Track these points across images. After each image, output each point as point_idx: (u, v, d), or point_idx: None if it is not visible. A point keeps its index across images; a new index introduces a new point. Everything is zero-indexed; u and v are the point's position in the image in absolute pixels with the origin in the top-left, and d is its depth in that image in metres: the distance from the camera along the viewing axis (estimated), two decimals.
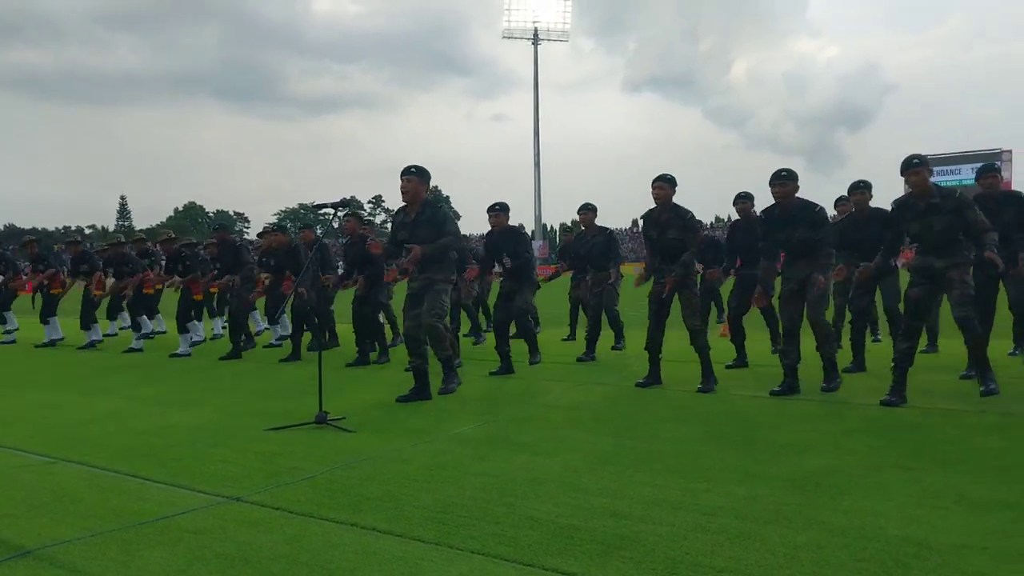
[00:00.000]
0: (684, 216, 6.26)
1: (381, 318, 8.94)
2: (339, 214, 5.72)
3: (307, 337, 9.41)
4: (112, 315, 11.91)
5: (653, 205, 6.38)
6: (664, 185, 6.30)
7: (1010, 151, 57.86)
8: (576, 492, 3.43)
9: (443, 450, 4.31)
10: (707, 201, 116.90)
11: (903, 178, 5.36)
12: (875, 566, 2.52)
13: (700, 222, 10.27)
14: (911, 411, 5.11)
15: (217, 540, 2.92)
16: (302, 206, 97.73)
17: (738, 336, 7.40)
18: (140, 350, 10.04)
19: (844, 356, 7.11)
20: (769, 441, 4.34)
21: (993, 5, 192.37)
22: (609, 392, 6.26)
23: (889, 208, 5.74)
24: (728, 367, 7.20)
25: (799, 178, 5.83)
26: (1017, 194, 6.43)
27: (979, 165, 6.82)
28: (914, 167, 5.29)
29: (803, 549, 2.69)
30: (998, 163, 7.30)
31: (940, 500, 3.19)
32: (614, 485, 3.53)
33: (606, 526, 2.97)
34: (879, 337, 8.51)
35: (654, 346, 6.40)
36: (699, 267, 8.79)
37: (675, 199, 6.33)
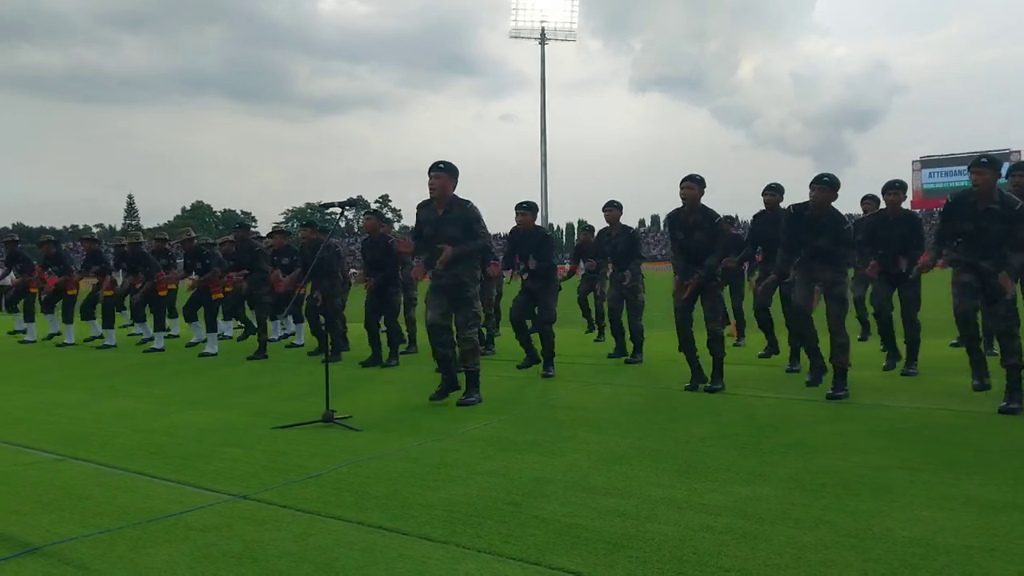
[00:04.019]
0: (712, 219, 6.14)
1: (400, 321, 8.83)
2: (346, 213, 5.71)
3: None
4: (139, 317, 11.83)
5: (674, 204, 6.29)
6: (693, 185, 6.15)
7: (1019, 152, 57.62)
8: (583, 491, 3.43)
9: (450, 449, 4.32)
10: (714, 201, 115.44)
11: (969, 174, 5.27)
12: (882, 567, 2.51)
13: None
14: (918, 412, 5.09)
15: (224, 538, 2.93)
16: (309, 205, 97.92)
17: (767, 324, 7.49)
18: (161, 349, 10.04)
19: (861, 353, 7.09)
20: (776, 441, 4.33)
21: (1002, 6, 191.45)
22: (616, 392, 6.26)
23: (917, 210, 5.71)
24: (760, 356, 7.35)
25: (839, 187, 5.74)
26: None
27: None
28: (980, 166, 5.17)
29: (809, 549, 2.68)
30: None
31: (947, 501, 3.18)
32: (621, 484, 3.53)
33: (612, 525, 2.97)
34: (868, 337, 8.47)
35: (688, 346, 6.28)
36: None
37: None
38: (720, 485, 3.49)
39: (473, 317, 5.78)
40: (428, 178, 5.75)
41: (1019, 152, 57.92)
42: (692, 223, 6.19)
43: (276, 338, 10.47)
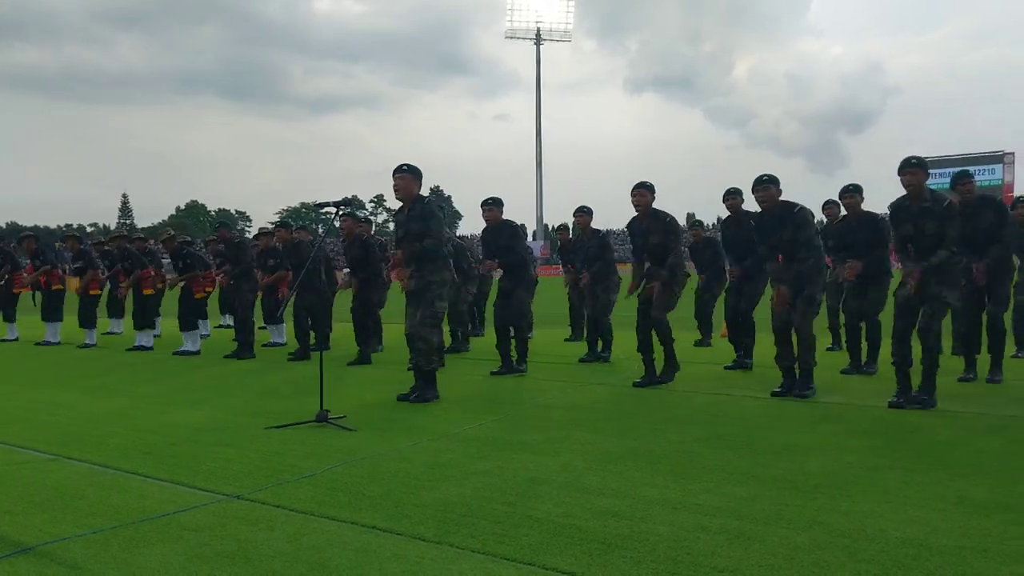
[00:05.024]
0: (664, 220, 6.42)
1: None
2: (341, 213, 5.73)
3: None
4: (113, 313, 11.93)
5: (667, 204, 6.57)
6: (644, 192, 6.45)
7: (1012, 153, 57.65)
8: (576, 492, 3.44)
9: (444, 449, 4.32)
10: (709, 201, 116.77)
11: (899, 177, 5.36)
12: (875, 567, 2.52)
13: (695, 225, 10.29)
14: (911, 413, 5.10)
15: (217, 537, 2.92)
16: (304, 205, 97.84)
17: (736, 338, 7.41)
18: (150, 348, 10.01)
19: (842, 357, 7.11)
20: (769, 442, 4.34)
21: (996, 7, 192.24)
22: (610, 392, 6.26)
23: (880, 212, 5.77)
24: (727, 368, 7.20)
25: (780, 182, 5.85)
26: (991, 199, 6.50)
27: (980, 168, 6.85)
28: (910, 167, 5.30)
29: (803, 550, 2.69)
30: (971, 169, 7.40)
31: (940, 502, 3.19)
32: (614, 485, 3.54)
33: (606, 525, 2.98)
34: (837, 348, 8.16)
35: (645, 347, 6.46)
36: (690, 266, 8.82)
37: (678, 200, 6.42)
38: (714, 486, 3.49)
39: (431, 316, 5.79)
40: (393, 180, 5.89)
41: (1012, 154, 58.00)
42: (647, 227, 6.47)
43: (284, 342, 10.47)
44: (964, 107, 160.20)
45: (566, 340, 10.11)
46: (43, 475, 3.90)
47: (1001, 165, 56.71)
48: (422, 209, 5.86)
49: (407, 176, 5.88)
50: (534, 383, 6.75)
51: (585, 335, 8.43)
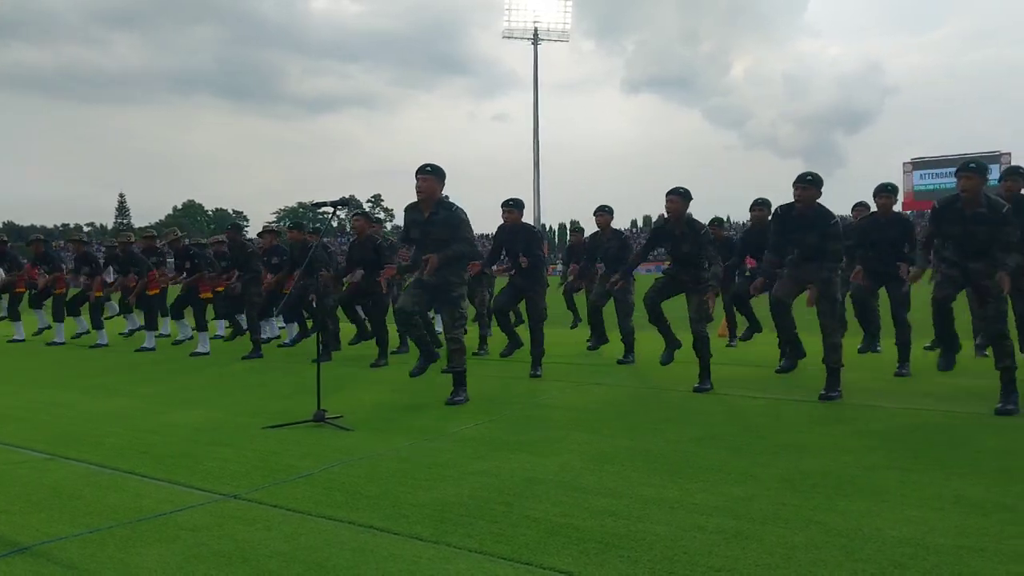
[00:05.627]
0: (698, 231, 6.24)
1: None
2: (338, 213, 5.71)
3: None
4: (177, 315, 11.81)
5: (660, 208, 6.43)
6: (677, 199, 6.25)
7: (1009, 154, 57.91)
8: (574, 491, 3.44)
9: (442, 449, 4.32)
10: (707, 201, 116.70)
11: (956, 180, 5.30)
12: (872, 567, 2.52)
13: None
14: (909, 412, 5.11)
15: (215, 537, 2.92)
16: (301, 205, 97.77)
17: (746, 307, 7.61)
18: (152, 348, 9.98)
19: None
20: (767, 441, 4.34)
21: (996, 7, 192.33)
22: (608, 392, 6.27)
23: (908, 214, 5.73)
24: (742, 338, 7.47)
25: (823, 184, 5.71)
26: None
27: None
28: (967, 171, 5.19)
29: (800, 549, 2.69)
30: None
31: (937, 501, 3.20)
32: (612, 484, 3.54)
33: (603, 525, 2.98)
34: (879, 348, 8.27)
35: (658, 319, 6.51)
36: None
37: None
38: (711, 485, 3.49)
39: (459, 318, 5.79)
40: (416, 180, 5.79)
41: (1009, 155, 58.16)
42: (679, 235, 6.30)
43: (266, 339, 10.44)
44: (963, 107, 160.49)
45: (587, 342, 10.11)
46: (40, 475, 3.90)
47: (998, 166, 56.86)
48: (448, 216, 5.75)
49: (431, 178, 5.76)
50: (532, 383, 6.75)
51: (587, 320, 8.50)
